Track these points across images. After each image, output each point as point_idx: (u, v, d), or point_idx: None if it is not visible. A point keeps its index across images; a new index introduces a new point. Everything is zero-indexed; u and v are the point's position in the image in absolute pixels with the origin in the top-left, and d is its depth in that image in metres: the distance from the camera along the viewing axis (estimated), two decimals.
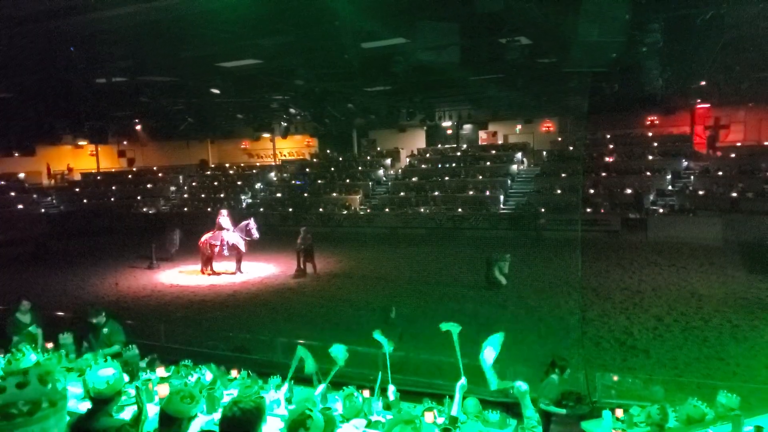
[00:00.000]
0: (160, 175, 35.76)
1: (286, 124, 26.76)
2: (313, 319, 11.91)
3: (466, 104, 25.70)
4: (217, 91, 17.17)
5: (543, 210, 22.65)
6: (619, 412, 6.04)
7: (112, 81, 14.32)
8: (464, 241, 21.38)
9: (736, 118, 26.54)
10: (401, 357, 7.87)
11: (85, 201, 33.59)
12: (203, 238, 17.29)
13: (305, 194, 29.61)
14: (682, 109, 26.30)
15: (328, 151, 35.12)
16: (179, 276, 17.22)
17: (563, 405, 6.72)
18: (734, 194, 20.95)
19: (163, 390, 4.65)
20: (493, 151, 30.38)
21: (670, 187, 23.57)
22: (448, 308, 12.36)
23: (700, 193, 22.23)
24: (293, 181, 31.90)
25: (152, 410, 4.47)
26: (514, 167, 28.33)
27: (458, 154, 30.86)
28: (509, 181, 27.10)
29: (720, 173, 23.20)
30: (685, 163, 25.00)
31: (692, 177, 24.01)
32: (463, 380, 5.02)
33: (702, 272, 15.09)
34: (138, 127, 27.43)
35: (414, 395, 5.63)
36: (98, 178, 36.79)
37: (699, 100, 25.17)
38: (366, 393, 5.37)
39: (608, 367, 8.79)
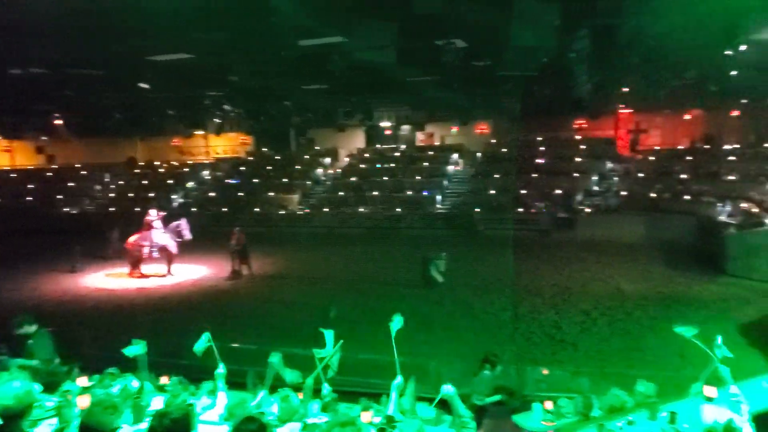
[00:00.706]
0: (83, 173, 33.97)
1: (219, 121, 26.10)
2: (248, 322, 11.66)
3: (404, 105, 25.98)
4: (147, 86, 16.51)
5: (477, 210, 23.22)
6: (549, 404, 6.28)
7: (29, 72, 13.48)
8: (401, 240, 21.58)
9: (655, 123, 28.20)
10: (338, 357, 7.85)
11: None
12: (131, 240, 16.58)
13: (240, 193, 28.98)
14: (606, 113, 27.66)
15: (265, 150, 34.52)
16: (105, 279, 16.43)
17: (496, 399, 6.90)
18: (653, 194, 22.25)
19: (84, 401, 4.40)
20: (430, 152, 30.84)
21: (596, 188, 24.73)
22: (386, 307, 12.42)
23: (623, 193, 23.46)
24: (227, 180, 31.15)
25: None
26: (450, 168, 28.87)
27: (396, 154, 31.12)
28: (445, 182, 27.59)
29: (640, 175, 24.58)
30: (609, 165, 26.30)
31: (616, 178, 25.30)
32: (398, 378, 5.06)
33: (625, 268, 15.92)
34: (59, 122, 25.94)
35: (351, 395, 5.62)
36: (13, 175, 34.51)
37: (622, 106, 26.56)
38: (301, 395, 5.32)
39: (539, 361, 9.12)
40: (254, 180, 30.23)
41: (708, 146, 25.61)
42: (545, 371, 8.73)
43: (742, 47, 13.57)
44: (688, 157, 24.94)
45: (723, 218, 18.46)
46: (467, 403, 6.80)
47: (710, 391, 4.93)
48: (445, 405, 5.88)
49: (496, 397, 6.95)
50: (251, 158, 33.86)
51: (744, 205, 19.21)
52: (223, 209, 27.43)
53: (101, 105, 20.05)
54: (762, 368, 6.35)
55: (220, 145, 36.43)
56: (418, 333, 10.41)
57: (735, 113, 25.20)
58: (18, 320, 6.72)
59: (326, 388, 5.22)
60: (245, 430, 2.62)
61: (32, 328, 6.63)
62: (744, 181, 21.33)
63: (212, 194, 30.05)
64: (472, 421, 4.71)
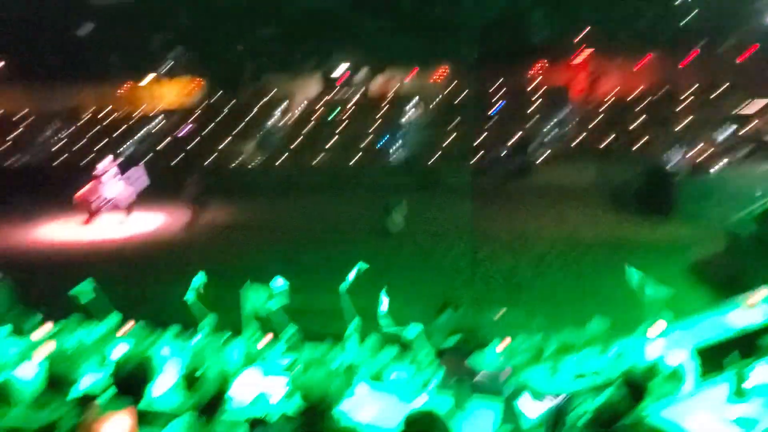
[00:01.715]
0: (23, 124, 32.10)
1: (168, 66, 24.97)
2: (208, 271, 11.55)
3: (360, 51, 25.39)
4: (91, 27, 15.53)
5: (435, 158, 23.31)
6: (504, 344, 6.55)
7: None
8: (360, 189, 21.52)
9: (610, 69, 28.51)
10: (301, 301, 7.93)
11: None
12: (81, 192, 16.00)
13: (192, 143, 28.10)
14: (562, 59, 27.78)
15: (217, 97, 33.29)
16: (61, 230, 15.90)
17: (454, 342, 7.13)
18: (607, 140, 22.80)
19: (47, 349, 4.34)
20: (387, 99, 30.46)
21: (551, 134, 25.10)
22: (346, 254, 12.51)
23: (578, 139, 23.93)
24: (178, 129, 30.11)
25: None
26: (407, 115, 28.67)
27: (353, 101, 30.61)
28: (403, 130, 27.44)
29: (595, 121, 25.05)
30: (565, 111, 26.63)
31: (571, 125, 25.70)
32: (356, 320, 5.20)
33: (580, 214, 16.39)
34: None
35: (316, 337, 5.73)
36: None
37: (578, 51, 26.70)
38: (268, 337, 5.40)
39: (495, 304, 9.43)
40: (206, 129, 29.30)
41: (662, 92, 26.17)
42: (501, 313, 9.07)
43: None
44: (642, 103, 25.48)
45: (674, 163, 19.14)
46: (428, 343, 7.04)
47: (653, 330, 5.24)
48: (406, 346, 6.08)
49: (454, 339, 7.21)
50: (203, 106, 32.66)
51: (694, 149, 19.92)
52: (175, 160, 26.61)
53: (40, 47, 18.80)
54: (707, 305, 6.76)
55: (171, 92, 34.90)
56: (379, 280, 10.59)
57: (688, 58, 25.74)
58: None
59: (290, 330, 5.29)
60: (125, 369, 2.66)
61: None
62: (696, 127, 22.02)
63: (163, 144, 29.03)
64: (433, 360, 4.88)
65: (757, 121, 20.33)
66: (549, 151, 23.87)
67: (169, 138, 29.40)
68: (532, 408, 5.40)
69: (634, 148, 21.92)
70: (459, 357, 6.98)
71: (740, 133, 20.24)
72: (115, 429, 1.92)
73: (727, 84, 23.91)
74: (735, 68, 23.92)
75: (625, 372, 4.15)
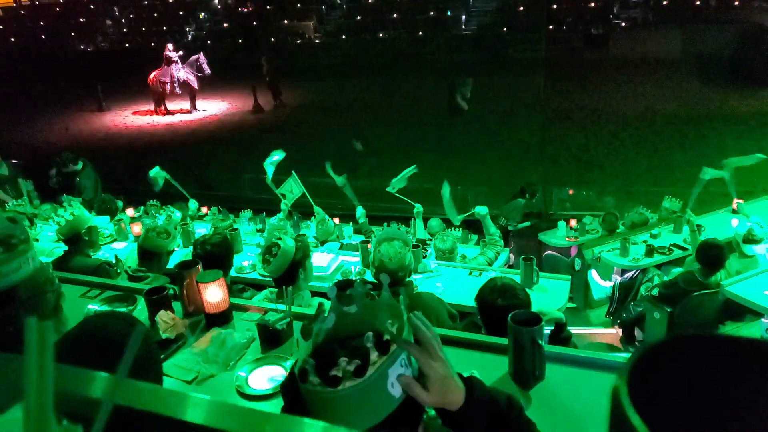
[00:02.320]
0: (91, 6, 32.45)
1: None
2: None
3: None
4: None
5: (505, 29, 21.88)
6: (573, 222, 6.52)
7: None
8: (426, 66, 20.80)
9: None
10: (367, 185, 8.09)
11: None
12: (151, 75, 16.36)
13: (254, 23, 27.63)
14: None
15: None
16: (132, 117, 16.58)
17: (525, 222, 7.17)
18: (697, 2, 20.47)
19: (137, 228, 4.73)
20: None
21: None
22: (412, 136, 12.46)
23: (664, 2, 21.62)
24: (240, 8, 29.53)
25: (129, 248, 4.60)
26: None
27: None
28: None
29: None
30: None
31: None
32: (418, 206, 5.29)
33: (658, 87, 15.28)
34: None
35: (381, 219, 5.89)
36: (20, 12, 33.18)
37: None
38: (336, 220, 5.60)
39: (565, 183, 9.26)
40: (267, 6, 28.57)
41: None
42: (571, 191, 8.93)
43: None
44: None
45: None
46: (496, 223, 7.12)
47: (731, 206, 5.01)
48: (470, 226, 6.16)
49: (526, 224, 7.25)
50: None
51: None
52: (239, 41, 26.41)
53: None
54: None
55: None
56: (445, 160, 10.55)
57: None
58: (63, 159, 7.02)
59: (359, 212, 5.45)
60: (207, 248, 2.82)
61: (78, 166, 6.94)
62: None
63: (226, 25, 28.73)
64: (500, 239, 4.95)
65: None
66: (630, 15, 21.80)
67: (230, 20, 29.01)
68: (602, 282, 5.49)
69: (728, 9, 19.57)
70: (528, 234, 7.07)
71: None
72: (212, 292, 2.12)
73: None
74: None
75: (701, 246, 4.09)
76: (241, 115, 15.96)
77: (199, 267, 2.25)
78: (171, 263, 3.29)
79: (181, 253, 4.23)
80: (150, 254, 3.12)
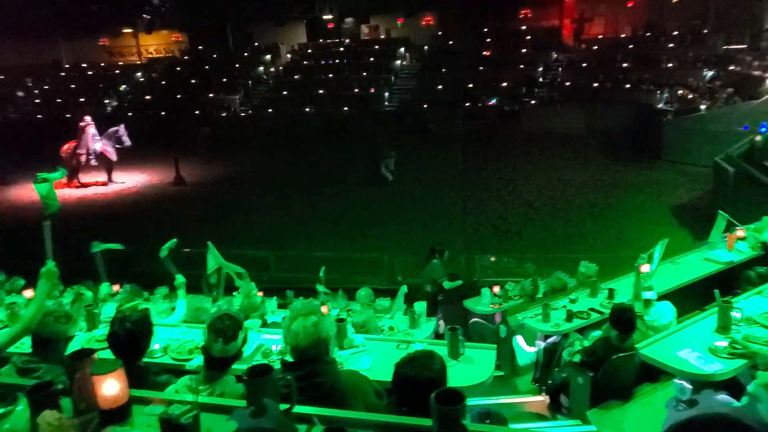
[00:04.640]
0: (1, 77, 31.20)
1: (149, 17, 24.09)
2: (197, 228, 11.54)
3: None
4: None
5: (426, 105, 22.97)
6: (496, 289, 6.65)
7: None
8: (350, 139, 21.30)
9: (598, 11, 27.90)
10: (293, 258, 7.96)
11: None
12: (65, 147, 15.71)
13: (178, 95, 27.48)
14: (551, 2, 27.08)
15: (201, 47, 32.36)
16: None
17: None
18: (596, 84, 22.48)
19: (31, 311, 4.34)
20: (376, 46, 29.74)
21: (541, 79, 24.73)
22: (338, 206, 12.52)
23: (567, 84, 23.59)
24: (162, 81, 29.38)
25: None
26: (397, 63, 28.08)
27: (341, 49, 29.86)
28: (393, 77, 26.93)
29: (584, 65, 24.64)
30: (554, 56, 26.16)
31: (560, 69, 25.29)
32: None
33: (567, 159, 16.39)
34: None
35: (307, 291, 5.76)
36: None
37: None
38: (261, 293, 5.41)
39: (486, 250, 9.53)
40: (192, 81, 28.62)
41: (649, 34, 25.74)
42: (492, 258, 9.17)
43: None
44: (629, 46, 25.07)
45: (660, 105, 18.99)
46: (420, 291, 7.14)
47: (642, 269, 5.30)
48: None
49: (458, 283, 7.36)
50: (187, 57, 31.80)
51: (680, 91, 19.74)
52: (161, 113, 26.07)
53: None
54: (690, 245, 6.86)
55: (153, 44, 33.84)
56: (371, 229, 10.63)
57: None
58: None
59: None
60: (223, 326, 2.62)
61: None
62: (682, 68, 21.75)
63: (148, 97, 28.39)
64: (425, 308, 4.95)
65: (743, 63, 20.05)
66: (539, 94, 23.57)
67: (152, 93, 28.72)
68: (525, 348, 5.54)
69: (623, 90, 21.59)
70: (453, 301, 7.15)
71: (722, 75, 20.02)
72: (109, 385, 1.92)
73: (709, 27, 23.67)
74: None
75: (612, 312, 4.24)
76: (163, 187, 15.51)
77: (95, 356, 2.04)
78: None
79: (83, 338, 3.89)
80: (46, 342, 2.83)
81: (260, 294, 5.30)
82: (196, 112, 25.77)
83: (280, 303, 5.45)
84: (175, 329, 4.30)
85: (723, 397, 3.00)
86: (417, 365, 2.18)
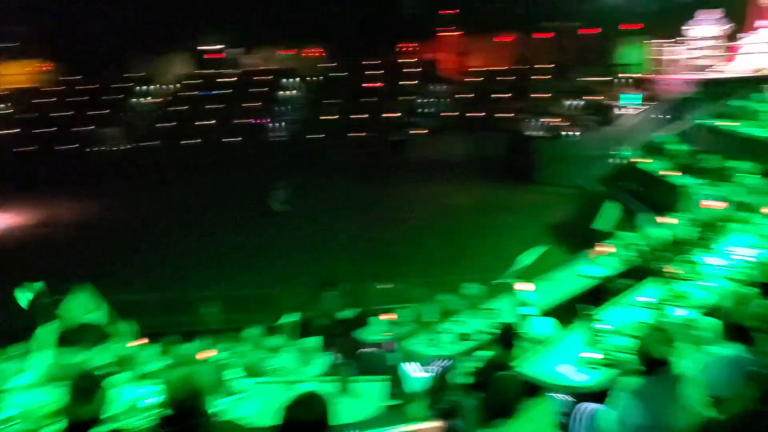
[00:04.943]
0: None
1: (10, 45, 22.07)
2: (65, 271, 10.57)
3: (232, 28, 24.16)
4: None
5: (312, 136, 23.05)
6: (386, 316, 6.67)
7: None
8: (237, 171, 20.67)
9: (476, 45, 29.70)
10: (174, 300, 7.52)
11: None
12: None
13: (45, 129, 25.26)
14: (431, 36, 28.50)
15: (72, 78, 29.97)
16: None
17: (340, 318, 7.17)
18: (474, 114, 23.85)
19: None
20: (261, 77, 29.44)
21: (422, 110, 25.76)
22: (222, 241, 12.09)
23: (447, 114, 24.79)
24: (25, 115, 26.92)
25: None
26: (283, 93, 27.96)
27: (224, 80, 29.19)
28: (279, 108, 26.74)
29: (462, 96, 26.08)
30: (434, 88, 27.38)
31: (441, 100, 26.52)
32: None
33: (451, 185, 17.08)
34: None
35: (190, 335, 5.44)
36: None
37: (446, 29, 27.50)
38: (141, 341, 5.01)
39: (378, 277, 9.57)
40: (61, 113, 26.45)
41: (522, 67, 27.78)
42: (383, 286, 9.21)
43: None
44: (504, 78, 26.92)
45: (533, 132, 20.50)
46: (313, 325, 6.99)
47: (520, 288, 5.59)
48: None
49: (350, 313, 7.26)
50: (57, 88, 29.31)
51: (550, 119, 21.45)
52: (30, 148, 23.79)
53: None
54: (563, 261, 7.34)
55: (12, 74, 30.81)
56: (260, 262, 10.33)
57: (547, 35, 27.61)
58: None
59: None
60: (82, 387, 2.38)
61: None
62: (552, 98, 23.65)
63: (17, 130, 25.73)
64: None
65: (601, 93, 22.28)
66: (421, 125, 24.43)
67: (18, 126, 26.20)
68: (416, 374, 5.57)
69: (498, 119, 23.03)
70: (343, 334, 7.04)
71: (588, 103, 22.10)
72: None
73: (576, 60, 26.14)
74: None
75: (497, 328, 4.40)
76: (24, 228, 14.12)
77: None
78: None
79: None
80: None
81: (141, 342, 4.91)
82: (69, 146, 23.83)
83: (160, 350, 5.07)
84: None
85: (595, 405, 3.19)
86: (299, 408, 2.12)
